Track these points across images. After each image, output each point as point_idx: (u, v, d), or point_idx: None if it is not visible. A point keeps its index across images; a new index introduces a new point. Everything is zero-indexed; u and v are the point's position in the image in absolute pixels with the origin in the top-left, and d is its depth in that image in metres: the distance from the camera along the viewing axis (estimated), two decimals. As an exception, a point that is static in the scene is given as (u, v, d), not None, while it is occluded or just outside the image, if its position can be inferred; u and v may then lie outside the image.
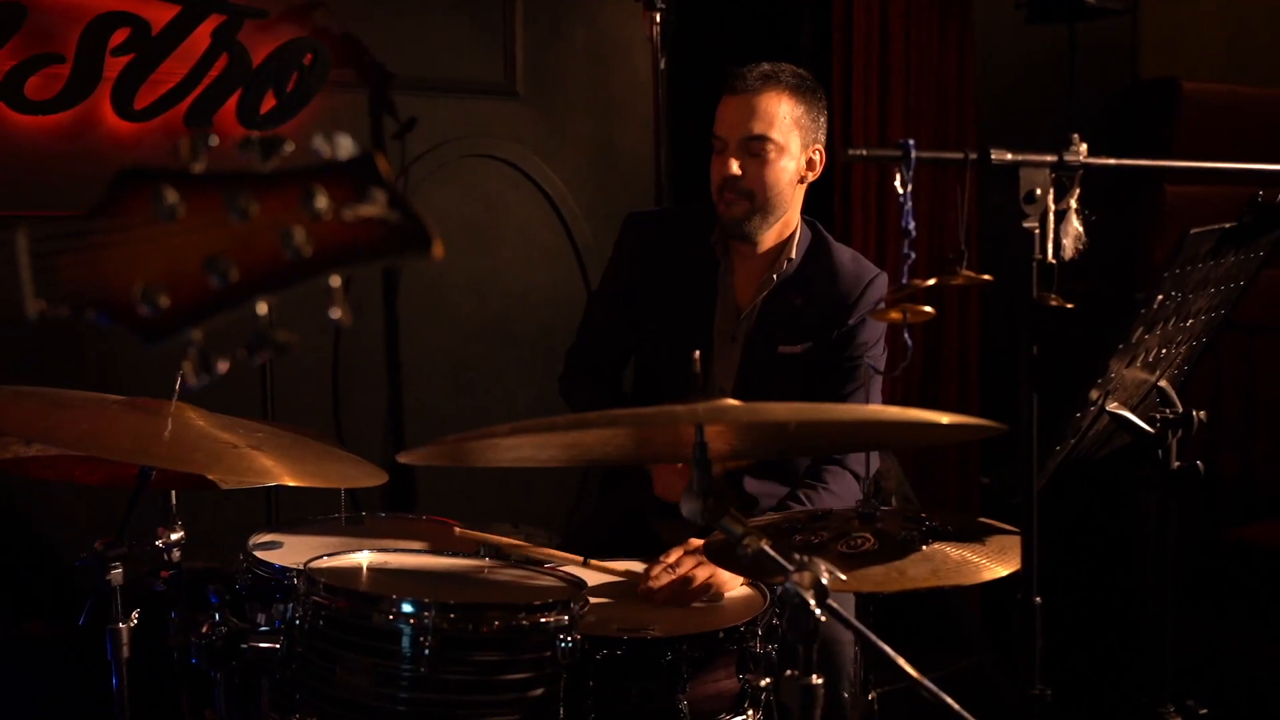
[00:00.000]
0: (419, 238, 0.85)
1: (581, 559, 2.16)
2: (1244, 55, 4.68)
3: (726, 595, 2.11)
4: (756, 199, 2.41)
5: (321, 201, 0.85)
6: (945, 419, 1.38)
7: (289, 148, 0.86)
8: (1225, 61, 4.65)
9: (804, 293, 2.50)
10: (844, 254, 2.56)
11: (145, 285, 0.87)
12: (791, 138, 2.41)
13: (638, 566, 2.22)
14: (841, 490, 2.40)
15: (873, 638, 1.50)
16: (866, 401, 2.36)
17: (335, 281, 0.87)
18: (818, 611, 1.43)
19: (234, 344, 0.89)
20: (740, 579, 2.13)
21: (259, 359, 0.88)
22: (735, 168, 2.39)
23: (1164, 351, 1.94)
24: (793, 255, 2.49)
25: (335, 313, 0.88)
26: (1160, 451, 1.90)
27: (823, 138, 2.48)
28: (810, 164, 2.47)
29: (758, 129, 2.38)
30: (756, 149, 2.39)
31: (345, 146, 0.86)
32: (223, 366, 0.89)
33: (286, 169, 0.86)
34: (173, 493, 2.15)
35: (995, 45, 4.23)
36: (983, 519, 1.98)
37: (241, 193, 0.85)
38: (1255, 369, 4.10)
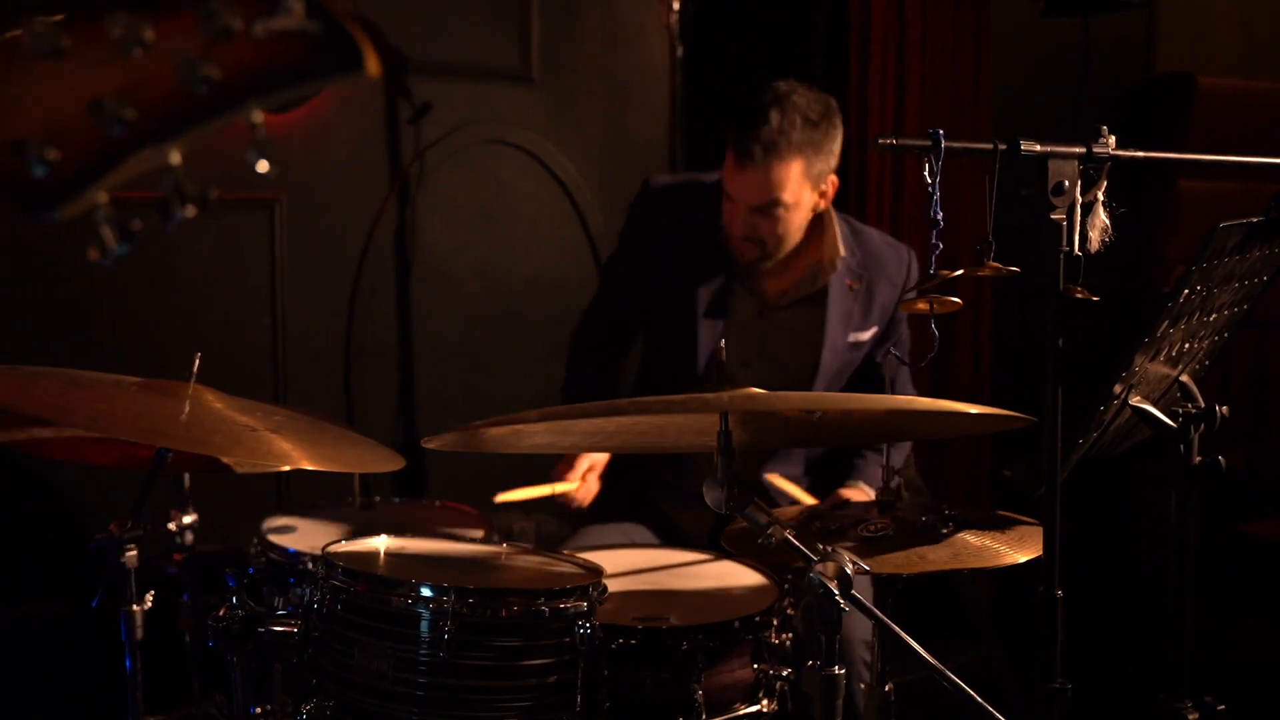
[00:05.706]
0: (347, 53, 0.70)
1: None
2: (1259, 51, 4.66)
3: (742, 585, 2.10)
4: (768, 247, 2.44)
5: (227, 17, 0.68)
6: (974, 410, 1.37)
7: None
8: (1241, 57, 4.63)
9: (858, 278, 2.54)
10: (875, 234, 2.62)
11: (22, 140, 0.69)
12: (804, 193, 2.39)
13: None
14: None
15: (895, 628, 1.50)
16: (901, 390, 2.40)
17: (258, 117, 0.71)
18: (842, 601, 1.43)
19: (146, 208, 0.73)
20: None
21: (177, 217, 0.72)
22: (750, 228, 2.40)
23: (1186, 346, 1.92)
24: (840, 251, 2.50)
25: (261, 165, 0.73)
26: (1181, 446, 1.89)
27: (834, 163, 2.43)
28: (822, 194, 2.45)
29: (768, 199, 2.37)
30: (769, 211, 2.38)
31: None
32: (136, 226, 0.73)
33: None
34: (186, 476, 2.15)
35: (1011, 39, 4.21)
36: (1000, 512, 1.97)
37: (131, 16, 0.68)
38: (1264, 365, 4.09)
